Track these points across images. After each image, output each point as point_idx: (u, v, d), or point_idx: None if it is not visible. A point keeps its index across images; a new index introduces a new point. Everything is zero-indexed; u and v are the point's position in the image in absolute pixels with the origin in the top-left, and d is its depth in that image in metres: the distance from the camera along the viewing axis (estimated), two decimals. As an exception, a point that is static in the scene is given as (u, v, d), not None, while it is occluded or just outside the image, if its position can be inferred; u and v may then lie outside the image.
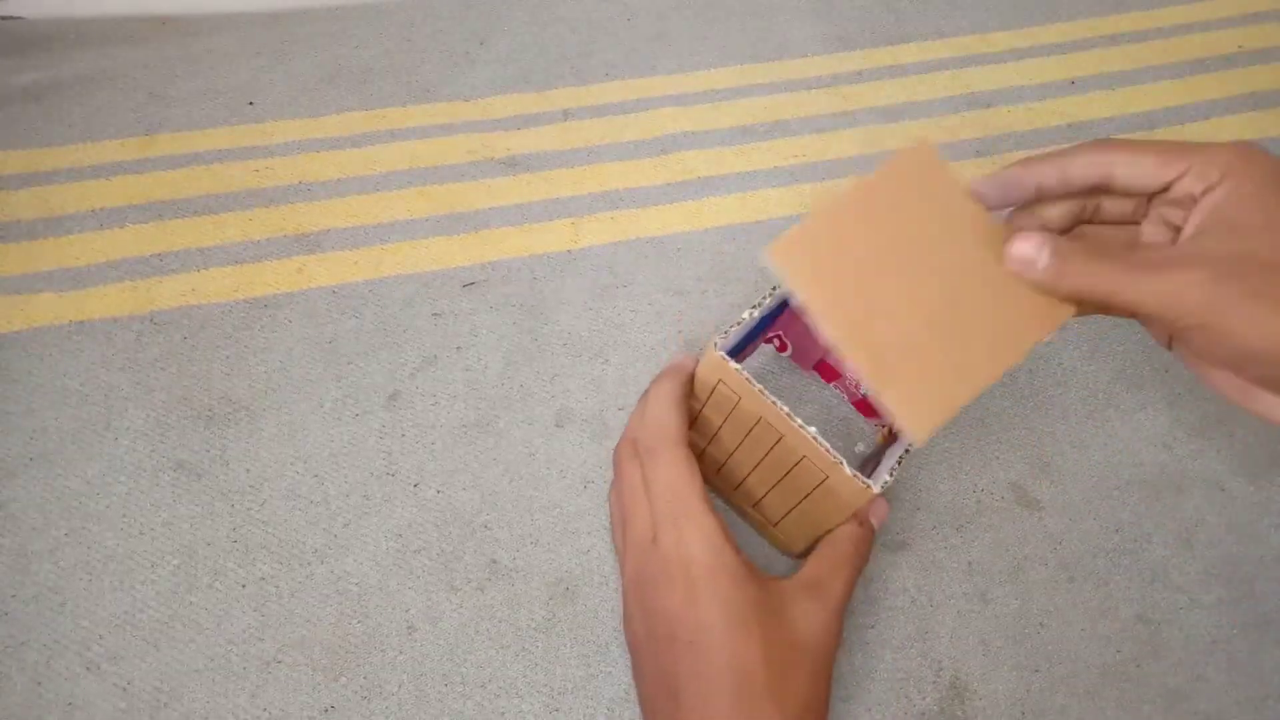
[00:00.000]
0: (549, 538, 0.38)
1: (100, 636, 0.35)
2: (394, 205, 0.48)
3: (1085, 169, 0.30)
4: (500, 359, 0.42)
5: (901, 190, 0.30)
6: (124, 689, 0.34)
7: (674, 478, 0.31)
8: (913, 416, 0.28)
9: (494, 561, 0.37)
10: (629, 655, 0.33)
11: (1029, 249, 0.29)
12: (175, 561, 0.36)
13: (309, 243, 0.46)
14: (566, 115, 0.52)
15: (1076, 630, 0.36)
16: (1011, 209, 0.33)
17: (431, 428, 0.40)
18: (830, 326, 0.29)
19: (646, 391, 0.34)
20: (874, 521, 0.33)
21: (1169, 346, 0.30)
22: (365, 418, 0.40)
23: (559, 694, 0.34)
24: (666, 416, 0.32)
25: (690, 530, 0.30)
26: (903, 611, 0.36)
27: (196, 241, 0.46)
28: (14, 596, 0.35)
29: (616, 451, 0.35)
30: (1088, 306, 0.29)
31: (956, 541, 0.38)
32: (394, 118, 0.52)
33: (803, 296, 0.29)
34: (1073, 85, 0.55)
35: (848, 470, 0.30)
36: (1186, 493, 0.39)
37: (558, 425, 0.40)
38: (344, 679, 0.34)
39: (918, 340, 0.29)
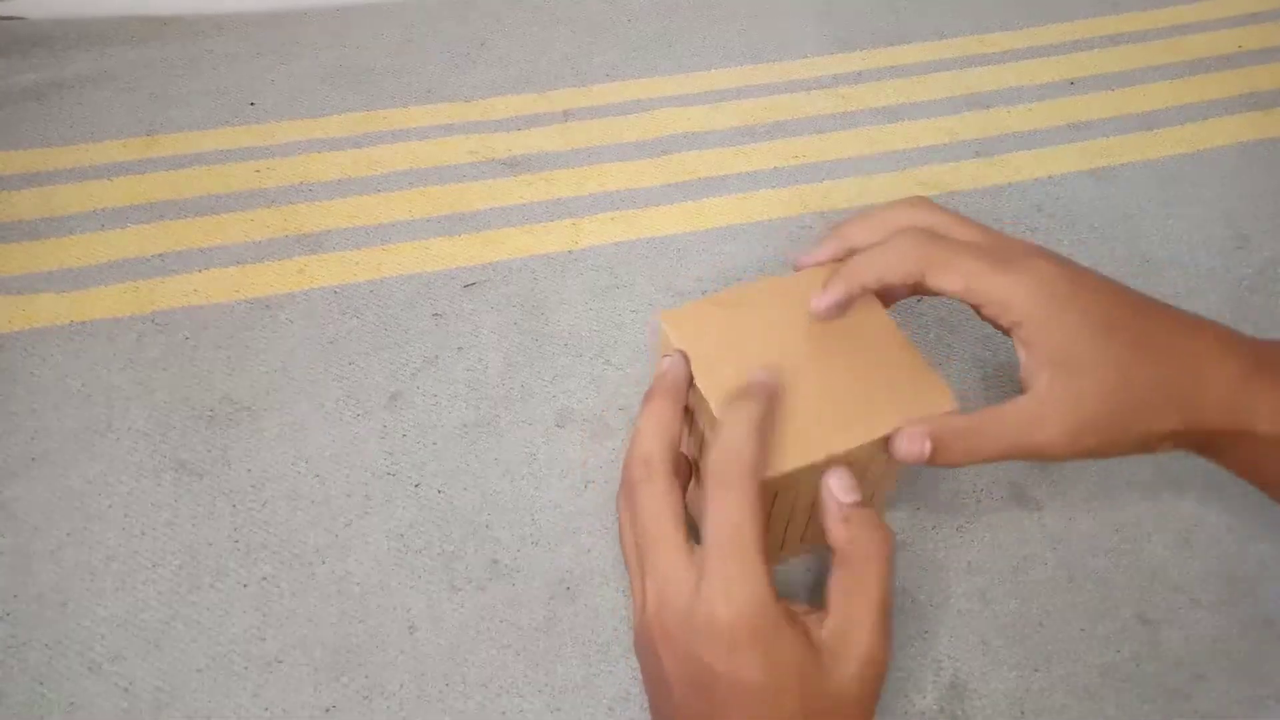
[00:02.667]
0: (550, 538, 0.38)
1: (102, 636, 0.35)
2: (395, 206, 0.48)
3: (902, 278, 0.32)
4: (501, 359, 0.42)
5: (805, 294, 0.33)
6: (125, 689, 0.34)
7: (740, 516, 0.28)
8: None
9: (495, 561, 0.37)
10: (646, 691, 0.32)
11: (914, 448, 0.31)
12: (177, 561, 0.36)
13: (310, 243, 0.46)
14: (567, 116, 0.52)
15: (1076, 630, 0.36)
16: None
17: (433, 428, 0.40)
18: (701, 377, 0.31)
19: (648, 409, 0.31)
20: (842, 497, 0.31)
21: None
22: (366, 418, 0.40)
23: (560, 693, 0.34)
24: (745, 445, 0.29)
25: (739, 581, 0.28)
26: (903, 611, 0.36)
27: (198, 242, 0.46)
28: (15, 597, 0.35)
29: (628, 467, 0.31)
30: None
31: (956, 541, 0.38)
32: (395, 118, 0.52)
33: (686, 352, 0.32)
34: (1072, 85, 0.55)
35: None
36: (1186, 493, 0.39)
37: (558, 425, 0.41)
38: (345, 678, 0.34)
39: (789, 401, 0.31)
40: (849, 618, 0.29)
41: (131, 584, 0.36)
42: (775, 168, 0.50)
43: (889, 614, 0.29)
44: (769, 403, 0.30)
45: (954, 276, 0.31)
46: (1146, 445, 0.31)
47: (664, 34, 0.57)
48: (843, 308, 0.33)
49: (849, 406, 0.31)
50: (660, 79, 0.54)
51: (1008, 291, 0.31)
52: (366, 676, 0.34)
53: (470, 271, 0.45)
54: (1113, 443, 0.31)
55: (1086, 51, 0.57)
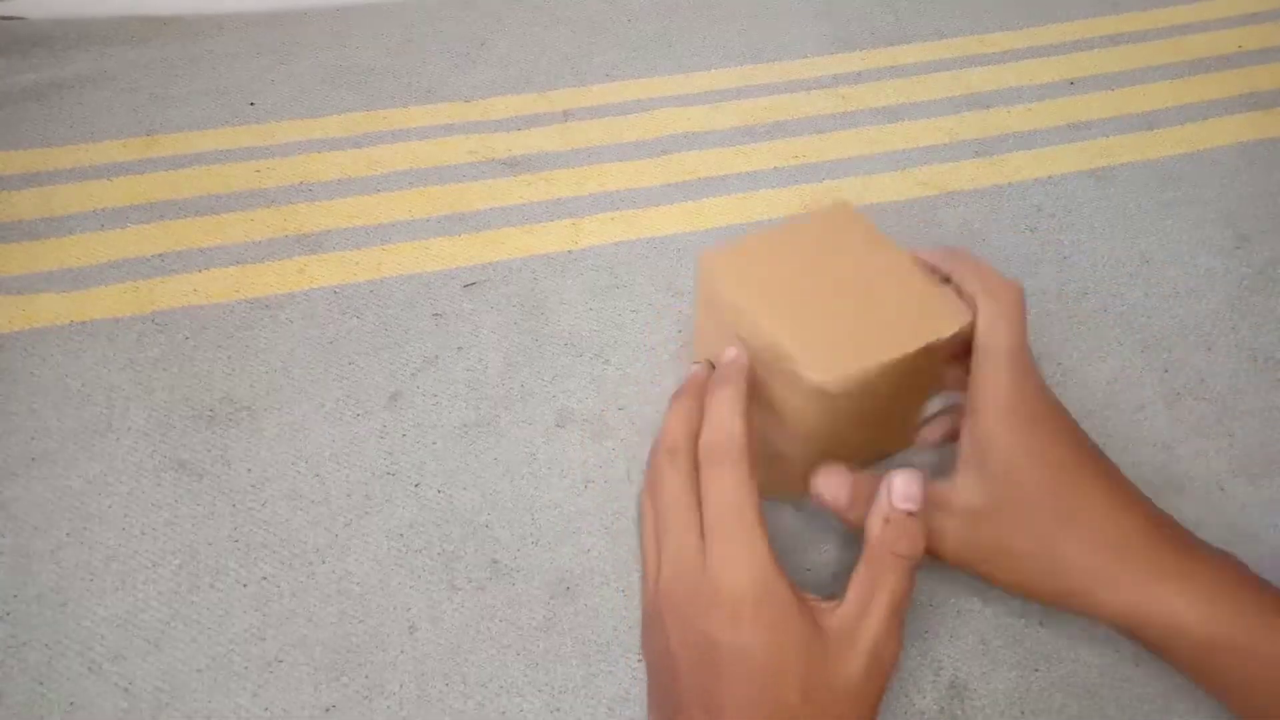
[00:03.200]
0: (550, 537, 0.38)
1: (102, 636, 0.35)
2: (395, 206, 0.48)
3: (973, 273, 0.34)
4: (501, 359, 0.42)
5: (823, 231, 0.35)
6: (125, 689, 0.34)
7: (735, 493, 0.30)
8: (821, 364, 0.31)
9: (495, 561, 0.37)
10: (644, 663, 0.32)
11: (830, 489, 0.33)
12: (177, 561, 0.36)
13: (310, 243, 0.46)
14: (567, 116, 0.52)
15: (1076, 630, 0.36)
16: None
17: (432, 428, 0.40)
18: (755, 310, 0.33)
19: (681, 397, 0.33)
20: (899, 503, 0.31)
21: None
22: (366, 418, 0.40)
23: (560, 693, 0.34)
24: (733, 425, 0.31)
25: (742, 554, 0.29)
26: (903, 611, 0.36)
27: (198, 242, 0.46)
28: (15, 597, 0.35)
29: (654, 455, 0.33)
30: None
31: (956, 541, 0.38)
32: (395, 118, 0.52)
33: (730, 296, 0.33)
34: (1072, 85, 0.55)
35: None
36: (1186, 493, 0.39)
37: (558, 425, 0.41)
38: (345, 678, 0.34)
39: (831, 315, 0.33)
40: (864, 611, 0.29)
41: (131, 584, 0.36)
42: (775, 168, 0.50)
43: (903, 618, 0.30)
44: (744, 383, 0.32)
45: (1000, 325, 0.32)
46: (1054, 600, 0.32)
47: (664, 34, 0.57)
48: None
49: (890, 321, 0.32)
50: (660, 79, 0.54)
51: (1003, 388, 0.32)
52: (366, 676, 0.34)
53: (470, 271, 0.45)
54: (1006, 573, 0.32)
55: (1086, 51, 0.57)
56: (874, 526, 0.31)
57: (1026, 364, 0.32)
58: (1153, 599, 0.30)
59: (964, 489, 0.32)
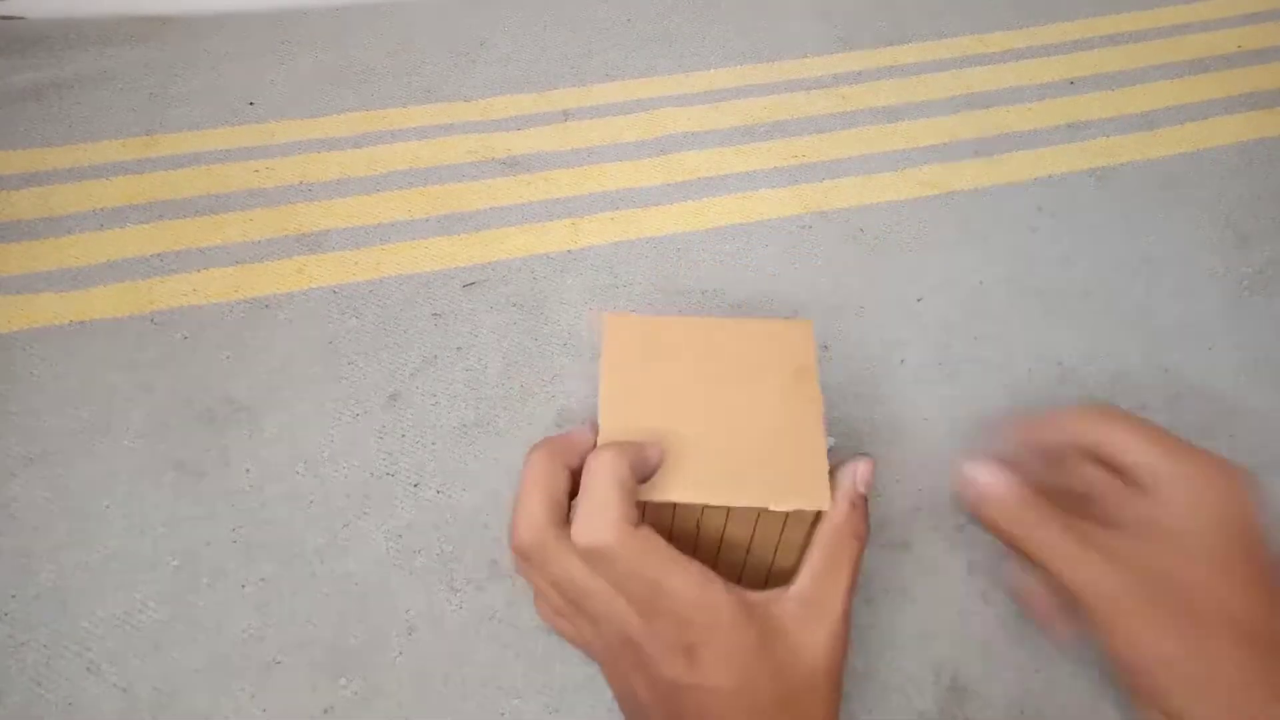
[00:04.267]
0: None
1: (100, 637, 0.35)
2: (394, 205, 0.48)
3: (1079, 437, 0.33)
4: (500, 359, 0.42)
5: (753, 344, 0.33)
6: (124, 689, 0.34)
7: (641, 555, 0.28)
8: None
9: (494, 561, 0.37)
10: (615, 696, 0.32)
11: (986, 476, 0.32)
12: (176, 562, 0.36)
13: (310, 243, 0.46)
14: (566, 116, 0.52)
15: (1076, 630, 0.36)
16: None
17: (432, 428, 0.40)
18: (605, 385, 0.32)
19: (527, 483, 0.30)
20: (861, 488, 0.31)
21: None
22: (366, 418, 0.40)
23: (560, 694, 0.34)
24: (607, 496, 0.28)
25: (676, 588, 0.28)
26: (903, 611, 0.36)
27: (197, 241, 0.46)
28: (14, 597, 0.35)
29: (523, 557, 0.30)
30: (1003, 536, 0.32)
31: (956, 541, 0.38)
32: (395, 118, 0.52)
33: (605, 362, 0.32)
34: (1072, 85, 0.55)
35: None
36: (1186, 493, 0.39)
37: (558, 425, 0.41)
38: (344, 679, 0.34)
39: (681, 427, 0.31)
40: (822, 590, 0.29)
41: (130, 584, 0.36)
42: (775, 168, 0.50)
43: (852, 598, 0.30)
44: (632, 460, 0.29)
45: (1143, 453, 0.31)
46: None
47: (664, 34, 0.57)
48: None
49: (737, 467, 0.30)
50: (660, 79, 0.54)
51: (1190, 477, 0.30)
52: (365, 677, 0.34)
53: (469, 271, 0.45)
54: (1129, 637, 0.30)
55: (1086, 51, 0.57)
56: (840, 510, 0.30)
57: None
58: None
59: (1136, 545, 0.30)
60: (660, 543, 0.28)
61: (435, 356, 0.42)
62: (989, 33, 0.58)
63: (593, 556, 0.28)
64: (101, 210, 0.47)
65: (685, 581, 0.28)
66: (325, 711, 0.34)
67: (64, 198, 0.47)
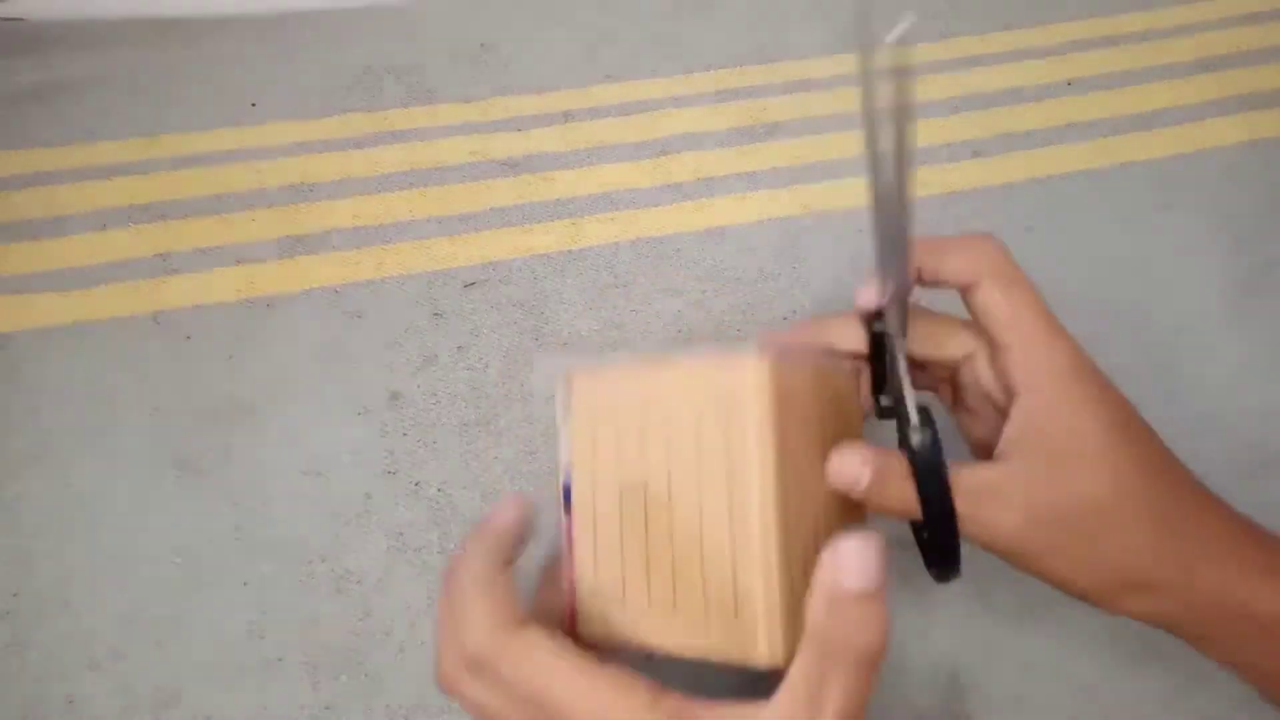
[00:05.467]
0: (549, 536, 0.38)
1: (102, 635, 0.35)
2: (396, 206, 0.48)
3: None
4: (501, 358, 0.43)
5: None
6: (126, 687, 0.34)
7: (521, 663, 0.23)
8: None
9: (495, 560, 0.37)
10: None
11: (852, 467, 0.27)
12: (177, 560, 0.37)
13: (311, 243, 0.46)
14: (567, 117, 0.52)
15: (1076, 629, 0.36)
16: None
17: (433, 427, 0.40)
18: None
19: (458, 592, 0.26)
20: (851, 581, 0.23)
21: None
22: (367, 417, 0.40)
23: (559, 692, 0.34)
24: (475, 605, 0.24)
25: (569, 703, 0.23)
26: (903, 610, 0.36)
27: (199, 242, 0.46)
28: (16, 595, 0.35)
29: (451, 686, 0.26)
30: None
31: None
32: (396, 119, 0.52)
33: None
34: (1071, 86, 0.55)
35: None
36: (1186, 492, 0.39)
37: (558, 425, 0.41)
38: (345, 677, 0.34)
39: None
40: (809, 716, 0.22)
41: (132, 582, 0.36)
42: (775, 168, 0.50)
43: (867, 679, 0.23)
44: (492, 541, 0.27)
45: (1015, 292, 0.29)
46: (1108, 593, 0.28)
47: (664, 34, 0.57)
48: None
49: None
50: (660, 80, 0.54)
51: (1036, 331, 0.28)
52: (366, 675, 0.34)
53: (470, 271, 0.45)
54: (1069, 564, 0.27)
55: (1086, 51, 0.57)
56: (817, 610, 0.23)
57: (1058, 324, 0.29)
58: (1232, 590, 0.27)
59: (1021, 475, 0.27)
60: (550, 645, 0.23)
61: (436, 356, 0.43)
62: (989, 33, 0.58)
63: (474, 667, 0.24)
64: (104, 210, 0.47)
65: (582, 693, 0.22)
66: (326, 709, 0.34)
67: (66, 198, 0.47)
